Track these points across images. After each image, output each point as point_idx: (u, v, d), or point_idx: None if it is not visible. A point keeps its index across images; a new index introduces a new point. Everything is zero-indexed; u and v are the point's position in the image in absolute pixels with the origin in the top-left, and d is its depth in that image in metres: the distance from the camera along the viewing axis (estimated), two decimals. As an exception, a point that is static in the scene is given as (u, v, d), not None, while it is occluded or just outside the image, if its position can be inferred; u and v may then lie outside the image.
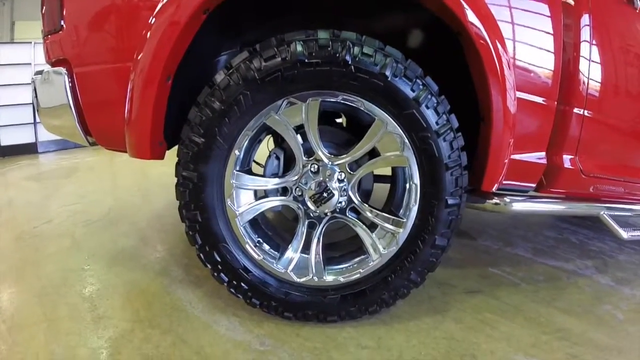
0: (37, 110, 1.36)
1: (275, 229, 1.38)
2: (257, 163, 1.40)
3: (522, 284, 1.78)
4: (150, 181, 2.97)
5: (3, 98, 4.20)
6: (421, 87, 1.09)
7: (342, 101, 1.09)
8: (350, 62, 1.03)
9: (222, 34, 1.32)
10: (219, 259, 1.21)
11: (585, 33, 1.41)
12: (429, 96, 1.10)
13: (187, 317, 1.30)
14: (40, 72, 1.32)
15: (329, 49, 1.03)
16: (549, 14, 1.32)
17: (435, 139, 1.12)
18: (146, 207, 2.21)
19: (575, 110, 1.43)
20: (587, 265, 2.07)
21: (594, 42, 1.42)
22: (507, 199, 1.46)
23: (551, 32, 1.32)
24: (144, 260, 1.61)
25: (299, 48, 1.03)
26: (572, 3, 1.39)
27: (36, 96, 1.34)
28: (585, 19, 1.41)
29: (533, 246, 2.24)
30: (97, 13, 1.13)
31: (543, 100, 1.36)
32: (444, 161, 1.15)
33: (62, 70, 1.16)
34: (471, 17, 1.09)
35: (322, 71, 1.04)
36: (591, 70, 1.43)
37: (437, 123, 1.12)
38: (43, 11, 1.31)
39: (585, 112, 1.45)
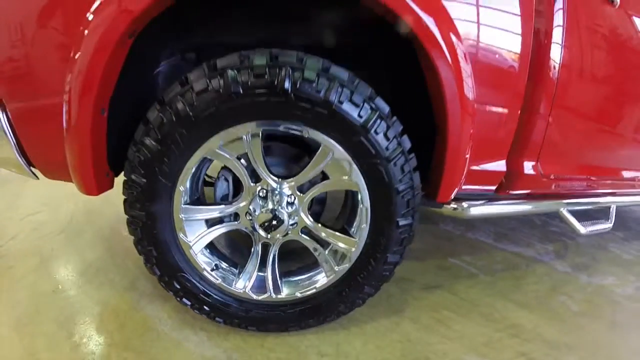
0: None
1: (232, 244, 1.28)
2: (208, 177, 1.27)
3: (481, 275, 1.72)
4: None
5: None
6: (370, 111, 0.95)
7: (285, 130, 0.94)
8: (290, 91, 0.88)
9: (158, 42, 1.14)
10: (179, 287, 1.13)
11: (557, 35, 1.23)
12: (379, 121, 0.96)
13: (158, 335, 1.25)
14: None
15: (265, 77, 0.87)
16: (517, 13, 1.13)
17: (386, 164, 0.99)
18: (108, 210, 2.07)
19: (541, 117, 1.29)
20: (547, 250, 2.00)
21: (567, 44, 1.25)
22: (464, 204, 1.35)
23: (519, 34, 1.14)
24: (111, 275, 1.53)
25: (233, 79, 0.87)
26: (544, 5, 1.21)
27: None
28: (559, 19, 1.23)
29: (495, 230, 2.15)
30: (17, 46, 0.94)
31: (506, 110, 1.21)
32: (394, 186, 1.02)
33: None
34: (420, 21, 0.92)
35: (260, 102, 0.89)
36: (561, 76, 1.26)
37: (387, 148, 0.98)
38: None
39: (551, 119, 1.31)
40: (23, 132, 1.02)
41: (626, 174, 1.82)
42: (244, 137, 0.95)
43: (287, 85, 0.88)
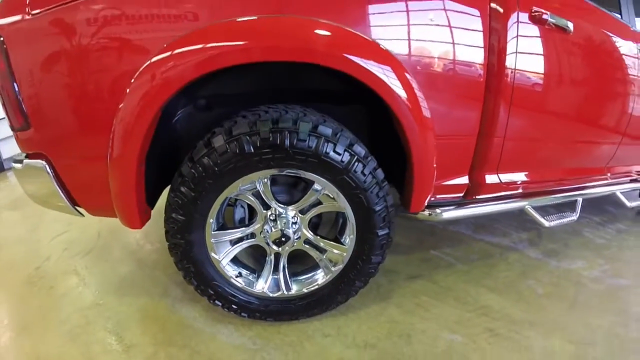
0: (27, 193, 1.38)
1: (250, 254, 1.66)
2: (230, 204, 1.63)
3: (458, 264, 2.03)
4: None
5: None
6: (349, 157, 1.28)
7: (287, 173, 1.30)
8: (288, 148, 1.23)
9: (178, 101, 1.41)
10: (212, 293, 1.49)
11: (511, 60, 1.44)
12: (357, 163, 1.29)
13: (195, 331, 1.56)
14: (19, 161, 1.28)
15: (270, 140, 1.21)
16: (471, 44, 1.37)
17: (364, 193, 1.34)
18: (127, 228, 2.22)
19: (497, 138, 1.56)
20: (521, 238, 2.30)
21: (519, 70, 1.48)
22: (438, 210, 1.67)
23: (474, 63, 1.38)
24: (145, 285, 1.79)
25: (246, 142, 1.21)
26: (497, 34, 1.40)
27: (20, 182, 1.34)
28: (512, 45, 1.44)
29: (475, 221, 2.42)
30: (62, 106, 1.15)
31: (463, 137, 1.52)
32: (372, 207, 1.37)
33: (41, 162, 1.21)
34: (371, 75, 1.20)
35: (267, 158, 1.23)
36: (515, 97, 1.48)
37: (364, 182, 1.32)
38: (1, 104, 1.23)
39: (506, 138, 1.58)
40: (71, 183, 1.27)
41: (592, 170, 2.06)
42: (257, 181, 1.32)
43: (286, 144, 1.22)
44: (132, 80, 1.13)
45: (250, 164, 1.25)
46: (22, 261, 1.97)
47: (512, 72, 1.47)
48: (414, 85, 1.30)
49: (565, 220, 2.01)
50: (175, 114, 1.52)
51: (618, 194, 2.29)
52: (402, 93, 1.26)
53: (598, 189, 2.19)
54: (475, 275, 1.96)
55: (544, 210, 1.95)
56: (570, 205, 2.06)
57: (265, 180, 1.31)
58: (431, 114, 1.36)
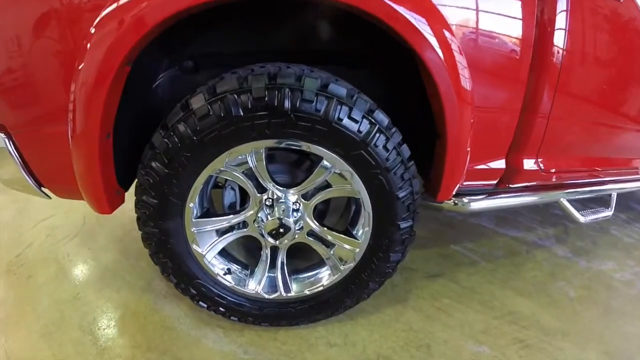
0: None
1: (243, 246, 1.31)
2: (219, 185, 1.29)
3: (482, 262, 1.73)
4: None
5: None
6: (369, 126, 0.94)
7: (287, 146, 0.96)
8: (289, 111, 0.88)
9: (156, 58, 1.12)
10: (195, 292, 1.18)
11: (559, 35, 1.17)
12: (378, 134, 0.96)
13: (178, 334, 1.29)
14: None
15: (265, 99, 0.87)
16: (519, 14, 1.08)
17: (386, 174, 1.00)
18: (118, 210, 2.11)
19: (541, 116, 1.25)
20: (547, 234, 1.99)
21: (570, 37, 1.19)
22: (465, 199, 1.35)
23: (520, 26, 1.09)
24: (128, 277, 1.55)
25: (233, 103, 0.87)
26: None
27: None
28: (562, 16, 1.16)
29: (497, 214, 2.13)
30: (17, 76, 0.93)
31: (505, 110, 1.19)
32: (394, 193, 1.03)
33: (1, 135, 1.00)
34: (409, 25, 0.88)
35: (262, 124, 0.89)
36: (564, 70, 1.21)
37: (387, 159, 0.98)
38: None
39: (551, 116, 1.27)
40: (31, 157, 1.02)
41: (630, 162, 1.78)
42: (248, 156, 0.97)
43: (286, 105, 0.88)
44: (92, 31, 0.84)
45: (239, 132, 0.91)
46: (4, 248, 1.81)
47: (562, 42, 1.18)
48: (455, 47, 0.96)
49: (600, 216, 1.75)
50: (156, 77, 1.19)
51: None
52: (441, 52, 0.93)
53: (633, 184, 1.88)
54: (501, 275, 1.65)
55: (577, 204, 1.63)
56: (599, 201, 1.83)
57: (260, 154, 0.96)
58: (471, 83, 1.03)
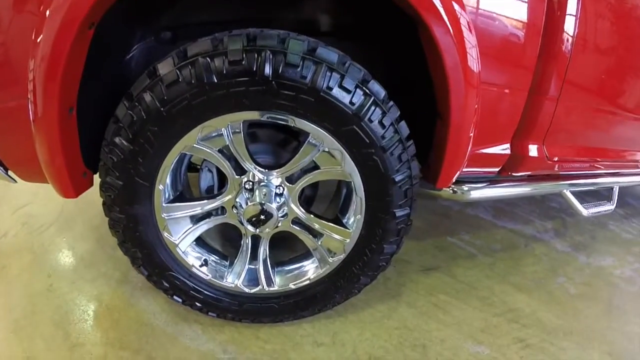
0: None
1: (222, 234, 1.16)
2: (193, 164, 1.14)
3: (479, 256, 1.60)
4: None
5: None
6: (363, 97, 0.80)
7: (269, 119, 0.80)
8: (271, 77, 0.73)
9: (127, 26, 0.97)
10: (168, 285, 1.03)
11: (572, 8, 1.04)
12: (373, 107, 0.81)
13: (153, 331, 1.16)
14: None
15: (242, 63, 0.72)
16: None
17: (381, 154, 0.85)
18: (98, 196, 1.96)
19: (550, 98, 1.12)
20: (546, 227, 1.87)
21: (582, 18, 1.06)
22: (465, 187, 1.21)
23: (530, 5, 0.97)
24: (103, 268, 1.41)
25: (205, 67, 0.72)
26: None
27: None
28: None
29: (494, 205, 2.00)
30: None
31: (513, 91, 1.05)
32: (391, 176, 0.88)
33: None
34: None
35: (239, 92, 0.74)
36: (574, 55, 1.08)
37: (382, 137, 0.84)
38: None
39: (560, 99, 1.13)
40: None
41: (631, 154, 1.66)
42: (224, 130, 0.81)
43: (267, 71, 0.73)
44: None
45: (212, 102, 0.76)
46: (-22, 238, 1.68)
47: (574, 21, 1.05)
48: (464, 24, 0.83)
49: (602, 209, 1.65)
50: (129, 49, 1.03)
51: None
52: (451, 28, 0.80)
53: (634, 178, 1.78)
54: (500, 270, 1.52)
55: (579, 197, 1.51)
56: (597, 195, 1.75)
57: (237, 129, 0.81)
58: (479, 64, 0.90)
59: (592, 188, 1.55)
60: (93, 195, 1.46)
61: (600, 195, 1.76)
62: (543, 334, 1.25)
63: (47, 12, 0.71)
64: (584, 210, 1.51)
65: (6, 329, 1.16)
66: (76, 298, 1.28)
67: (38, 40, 0.72)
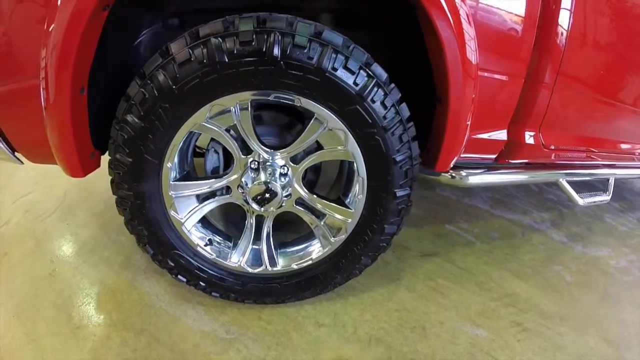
0: None
1: (226, 216, 1.22)
2: (199, 148, 1.20)
3: (477, 243, 1.67)
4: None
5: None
6: (366, 79, 0.86)
7: (276, 99, 0.87)
8: (279, 58, 0.80)
9: (137, 11, 1.03)
10: (173, 264, 1.08)
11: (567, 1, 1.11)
12: (376, 89, 0.87)
13: (156, 312, 1.21)
14: None
15: (253, 43, 0.78)
16: None
17: (383, 134, 0.92)
18: (101, 184, 1.90)
19: (545, 86, 1.19)
20: (543, 218, 1.94)
21: (576, 10, 1.13)
22: (463, 173, 1.27)
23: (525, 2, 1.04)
24: (106, 252, 1.46)
25: (217, 47, 0.78)
26: None
27: None
28: None
29: (492, 195, 2.08)
30: None
31: (510, 78, 1.12)
32: (392, 156, 0.95)
33: None
34: None
35: (248, 71, 0.81)
36: (569, 44, 1.15)
37: (384, 117, 0.90)
38: None
39: (555, 88, 1.20)
40: (1, 117, 0.93)
41: (626, 146, 1.74)
42: (232, 108, 0.87)
43: (276, 52, 0.79)
44: None
45: (222, 81, 0.82)
46: (-19, 224, 1.71)
47: (568, 14, 1.13)
48: (464, 16, 0.90)
49: (598, 199, 1.72)
50: (138, 34, 1.09)
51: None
52: (453, 22, 0.87)
53: (630, 170, 1.87)
54: (498, 257, 1.59)
55: (575, 187, 1.59)
56: (593, 188, 1.80)
57: (245, 108, 0.87)
58: (477, 55, 0.97)
59: (588, 178, 1.63)
60: (95, 185, 1.51)
61: (597, 187, 1.83)
62: (540, 318, 1.32)
63: None
64: (580, 200, 1.58)
65: (8, 313, 1.20)
66: (79, 282, 1.32)
67: (50, 28, 0.77)
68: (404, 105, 0.94)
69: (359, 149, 0.94)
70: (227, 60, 0.79)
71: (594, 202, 1.67)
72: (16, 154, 1.04)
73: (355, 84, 0.85)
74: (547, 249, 1.70)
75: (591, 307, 1.42)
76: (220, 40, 0.79)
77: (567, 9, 1.12)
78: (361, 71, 0.85)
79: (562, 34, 1.14)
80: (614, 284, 1.58)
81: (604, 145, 1.63)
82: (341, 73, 0.84)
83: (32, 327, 1.16)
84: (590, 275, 1.60)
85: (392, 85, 0.92)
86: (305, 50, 0.80)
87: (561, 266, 1.61)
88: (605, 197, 1.72)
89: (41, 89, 0.83)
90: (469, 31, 0.92)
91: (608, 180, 1.77)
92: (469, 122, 1.04)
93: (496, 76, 1.09)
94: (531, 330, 1.27)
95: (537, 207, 2.03)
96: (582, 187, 1.63)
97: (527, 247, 1.69)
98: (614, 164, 1.75)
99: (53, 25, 0.77)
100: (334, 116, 0.89)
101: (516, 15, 1.04)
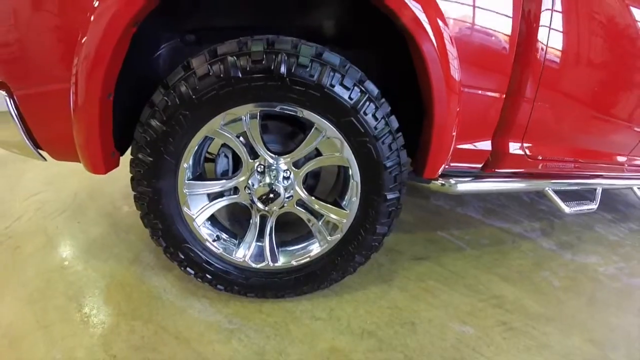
0: None
1: (232, 217, 1.36)
2: (209, 154, 1.34)
3: (468, 249, 1.79)
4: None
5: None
6: (359, 94, 1.01)
7: (281, 110, 1.02)
8: (285, 75, 0.95)
9: (158, 27, 1.18)
10: (183, 257, 1.22)
11: (546, 18, 1.24)
12: (368, 102, 1.02)
13: (164, 304, 1.32)
14: None
15: (263, 62, 0.94)
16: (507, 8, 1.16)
17: (374, 142, 1.06)
18: (110, 187, 2.01)
19: (526, 100, 1.33)
20: (533, 227, 2.07)
21: (554, 27, 1.26)
22: (452, 180, 1.41)
23: (507, 16, 1.16)
24: (116, 249, 1.58)
25: (232, 64, 0.94)
26: None
27: None
28: (547, 2, 1.23)
29: (485, 205, 2.21)
30: (21, 33, 0.96)
31: (491, 94, 1.26)
32: (382, 162, 1.10)
33: (2, 93, 1.01)
34: (416, 19, 0.97)
35: (258, 86, 0.96)
36: (548, 58, 1.29)
37: (375, 128, 1.05)
38: None
39: (536, 101, 1.34)
40: (31, 116, 1.05)
41: (613, 157, 1.85)
42: (243, 117, 1.03)
43: (282, 70, 0.94)
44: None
45: (236, 93, 0.98)
46: (-7, 220, 1.82)
47: (547, 28, 1.26)
48: (447, 38, 1.05)
49: (585, 208, 1.82)
50: (158, 48, 1.25)
51: (635, 189, 2.09)
52: (436, 44, 1.02)
53: (616, 181, 1.99)
54: (487, 262, 1.72)
55: (562, 196, 1.71)
56: (582, 197, 1.89)
57: (254, 117, 1.02)
58: (460, 73, 1.12)
59: (575, 188, 1.75)
60: (104, 188, 1.64)
61: (585, 197, 1.93)
62: (526, 319, 1.43)
63: (94, 12, 0.89)
64: (567, 208, 1.70)
65: (20, 301, 1.30)
66: (89, 275, 1.43)
67: (83, 40, 0.91)
68: (393, 117, 1.09)
69: (353, 156, 1.09)
70: (240, 75, 0.95)
71: (581, 210, 1.78)
72: (40, 151, 1.15)
73: (350, 98, 1.00)
74: (536, 256, 1.82)
75: (577, 311, 1.51)
76: (235, 58, 0.95)
77: (547, 26, 1.25)
78: (355, 87, 1.01)
79: (542, 49, 1.26)
80: (601, 289, 1.67)
81: (589, 156, 1.74)
82: (338, 89, 0.99)
83: (43, 314, 1.25)
84: (578, 281, 1.70)
85: (383, 99, 1.07)
86: (308, 69, 0.96)
87: (549, 272, 1.72)
88: (592, 206, 1.82)
89: (71, 93, 0.97)
90: (452, 51, 1.07)
91: (596, 190, 1.89)
92: (454, 134, 1.18)
93: (479, 91, 1.23)
94: (517, 329, 1.38)
95: (528, 216, 2.16)
96: (571, 196, 1.75)
97: (516, 254, 1.81)
98: (601, 174, 1.87)
99: (86, 37, 0.91)
100: (332, 126, 1.04)
101: (497, 33, 1.17)
